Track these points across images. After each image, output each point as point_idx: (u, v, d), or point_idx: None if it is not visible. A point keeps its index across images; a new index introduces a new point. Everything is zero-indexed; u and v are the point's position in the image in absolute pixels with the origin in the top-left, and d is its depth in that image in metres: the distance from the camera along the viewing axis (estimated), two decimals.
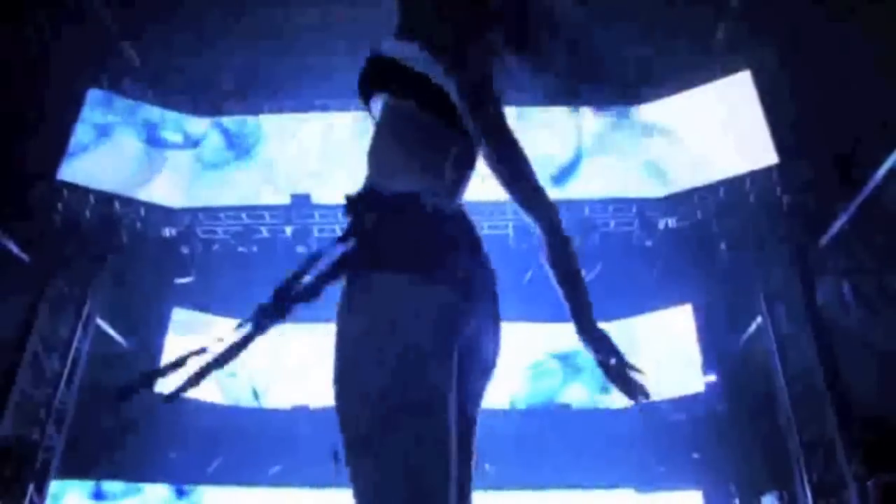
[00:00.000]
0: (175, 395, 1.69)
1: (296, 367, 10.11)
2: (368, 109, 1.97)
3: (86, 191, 9.49)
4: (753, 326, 9.32)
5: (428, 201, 1.68)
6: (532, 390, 10.05)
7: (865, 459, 7.17)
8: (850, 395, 7.83)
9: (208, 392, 10.09)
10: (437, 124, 1.81)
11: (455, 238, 1.73)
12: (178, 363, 1.70)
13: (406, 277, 1.57)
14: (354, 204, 1.71)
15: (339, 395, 1.50)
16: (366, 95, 1.94)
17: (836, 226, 8.23)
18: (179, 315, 10.27)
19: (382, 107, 1.87)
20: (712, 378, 9.66)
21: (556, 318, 10.03)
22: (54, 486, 8.67)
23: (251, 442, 9.55)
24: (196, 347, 1.70)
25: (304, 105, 10.28)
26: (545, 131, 9.70)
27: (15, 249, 8.66)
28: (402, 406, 1.42)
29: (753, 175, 9.22)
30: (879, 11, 7.43)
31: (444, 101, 1.82)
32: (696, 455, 9.44)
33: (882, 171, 7.37)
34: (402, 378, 1.45)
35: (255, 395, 10.23)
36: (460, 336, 1.63)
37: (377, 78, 1.90)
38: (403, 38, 1.91)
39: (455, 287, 1.62)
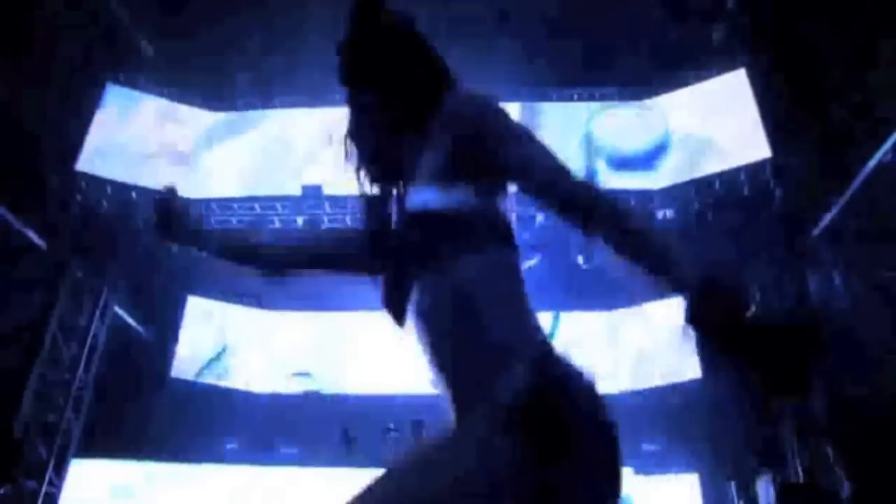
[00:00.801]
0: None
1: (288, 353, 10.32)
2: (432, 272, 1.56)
3: (103, 181, 9.53)
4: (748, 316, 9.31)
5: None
6: None
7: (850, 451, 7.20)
8: (840, 383, 7.85)
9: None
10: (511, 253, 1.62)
11: None
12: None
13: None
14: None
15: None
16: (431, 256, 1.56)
17: (827, 218, 8.23)
18: (194, 303, 10.33)
19: (459, 265, 1.53)
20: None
21: (558, 306, 9.96)
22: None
23: (263, 424, 9.64)
24: None
25: (315, 99, 10.27)
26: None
27: (34, 238, 8.70)
28: None
29: (747, 168, 9.23)
30: (871, 12, 7.43)
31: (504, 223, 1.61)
32: (692, 438, 9.46)
33: (871, 164, 7.38)
34: None
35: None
36: None
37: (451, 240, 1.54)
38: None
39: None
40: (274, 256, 2.00)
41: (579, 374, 1.46)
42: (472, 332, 1.51)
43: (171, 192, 1.91)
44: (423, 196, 1.59)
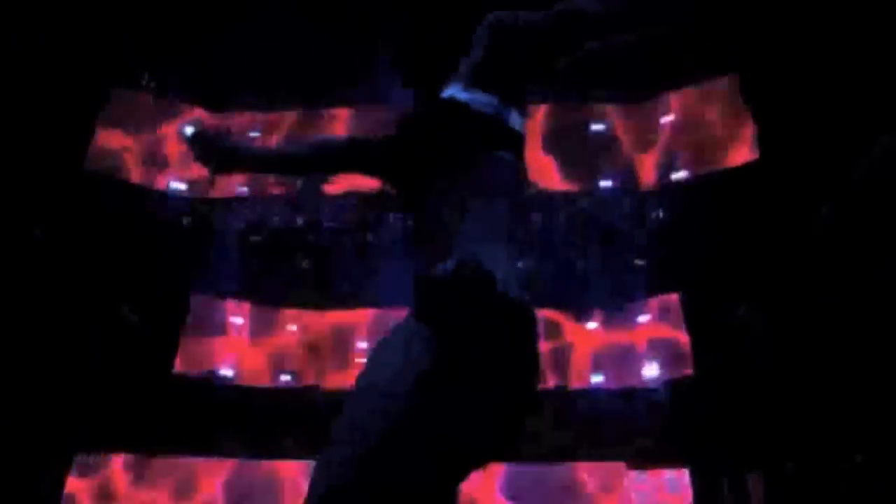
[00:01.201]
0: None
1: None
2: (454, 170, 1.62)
3: (109, 181, 9.55)
4: (741, 313, 9.34)
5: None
6: None
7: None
8: (834, 379, 7.86)
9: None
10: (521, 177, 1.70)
11: None
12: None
13: None
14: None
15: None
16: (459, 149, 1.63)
17: (819, 218, 8.25)
18: (197, 301, 10.34)
19: (474, 163, 1.61)
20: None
21: (557, 306, 9.85)
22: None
23: (265, 417, 9.68)
24: None
25: (314, 99, 10.25)
26: None
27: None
28: None
29: (740, 170, 9.26)
30: (862, 16, 7.45)
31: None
32: (685, 434, 9.47)
33: (864, 164, 7.39)
34: None
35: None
36: None
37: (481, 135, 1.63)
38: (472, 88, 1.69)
39: None
40: (301, 161, 2.09)
41: (492, 283, 1.44)
42: (452, 235, 1.54)
43: (201, 127, 2.01)
44: (454, 91, 1.68)
